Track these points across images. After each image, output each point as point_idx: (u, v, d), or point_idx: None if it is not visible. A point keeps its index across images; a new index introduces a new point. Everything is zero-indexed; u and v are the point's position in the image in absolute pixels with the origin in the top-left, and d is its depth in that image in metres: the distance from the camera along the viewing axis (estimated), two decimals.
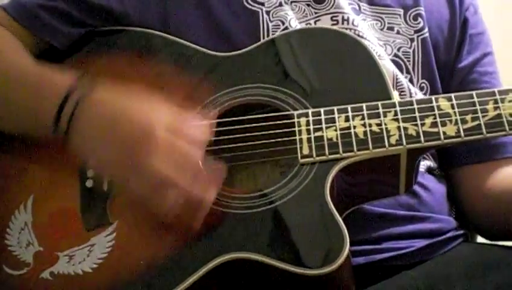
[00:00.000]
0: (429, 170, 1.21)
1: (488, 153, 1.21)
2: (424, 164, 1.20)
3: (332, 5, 1.20)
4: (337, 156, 1.02)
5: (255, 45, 1.15)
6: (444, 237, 1.16)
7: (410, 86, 1.19)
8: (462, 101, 1.03)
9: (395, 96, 1.07)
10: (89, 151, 1.01)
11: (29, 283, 1.01)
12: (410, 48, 1.21)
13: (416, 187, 1.15)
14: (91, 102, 1.01)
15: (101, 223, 1.03)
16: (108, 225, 1.03)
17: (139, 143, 0.97)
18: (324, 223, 0.98)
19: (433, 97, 1.05)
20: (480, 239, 1.29)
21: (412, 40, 1.22)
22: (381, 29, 1.22)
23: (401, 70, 1.20)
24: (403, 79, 1.19)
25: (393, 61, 1.20)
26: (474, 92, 1.04)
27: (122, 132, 0.98)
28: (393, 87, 1.16)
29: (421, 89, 1.21)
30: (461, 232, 1.19)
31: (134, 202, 1.01)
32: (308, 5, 1.20)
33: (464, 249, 1.16)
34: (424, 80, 1.21)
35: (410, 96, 1.18)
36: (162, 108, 1.00)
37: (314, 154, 1.02)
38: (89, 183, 1.06)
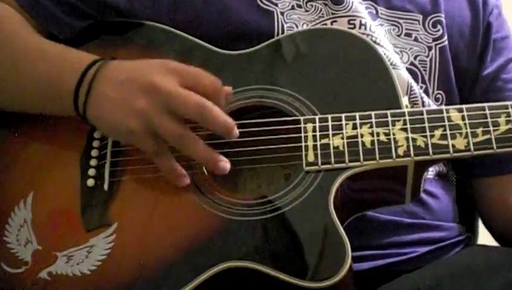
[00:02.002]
0: (438, 174, 1.19)
1: (507, 165, 1.18)
2: (433, 169, 1.18)
3: (350, 8, 1.16)
4: (343, 165, 1.00)
5: (262, 44, 1.12)
6: (447, 242, 1.14)
7: (425, 97, 1.16)
8: (473, 113, 1.01)
9: (405, 101, 1.05)
10: (106, 113, 1.00)
11: (27, 282, 1.00)
12: (427, 56, 1.18)
13: (423, 195, 1.13)
14: (111, 65, 1.03)
15: (101, 224, 1.02)
16: (108, 227, 1.01)
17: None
18: (327, 235, 0.96)
19: (444, 108, 1.02)
20: (481, 241, 1.28)
21: (430, 48, 1.18)
22: (398, 35, 1.18)
23: (417, 80, 1.17)
24: (417, 90, 1.16)
25: (408, 69, 1.16)
26: (486, 105, 1.01)
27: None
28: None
29: (437, 100, 1.18)
30: (465, 236, 1.18)
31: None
32: (325, 4, 1.17)
33: (466, 251, 1.15)
34: (440, 91, 1.18)
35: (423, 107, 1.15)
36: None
37: (320, 163, 1.00)
38: (90, 183, 1.05)
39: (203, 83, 0.98)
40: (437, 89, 1.19)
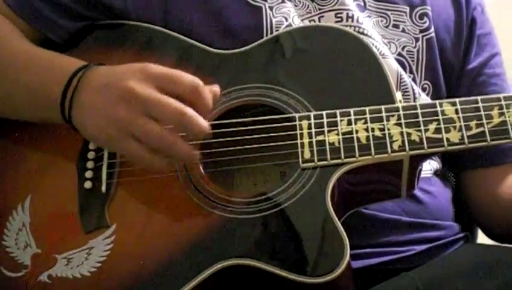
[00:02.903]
0: (436, 172, 1.20)
1: (498, 156, 1.20)
2: (431, 166, 1.19)
3: (337, 2, 1.17)
4: (339, 161, 1.01)
5: (255, 43, 1.12)
6: (445, 240, 1.15)
7: (414, 85, 1.17)
8: (466, 106, 1.02)
9: (398, 96, 1.06)
10: (89, 118, 1.01)
11: (27, 285, 1.00)
12: (414, 47, 1.19)
13: (421, 194, 1.14)
14: (93, 72, 1.03)
15: (99, 226, 1.02)
16: (106, 228, 1.02)
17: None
18: (325, 231, 0.97)
19: (437, 102, 1.03)
20: (479, 240, 1.28)
21: (417, 39, 1.20)
22: (386, 27, 1.20)
23: (405, 70, 1.18)
24: (407, 78, 1.17)
25: (397, 60, 1.18)
26: (479, 98, 1.02)
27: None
28: (397, 86, 1.15)
29: (424, 90, 1.19)
30: (462, 235, 1.19)
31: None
32: (312, 0, 1.18)
33: (464, 250, 1.16)
34: (426, 81, 1.20)
35: (414, 96, 1.16)
36: None
37: (316, 159, 1.01)
38: (87, 185, 1.05)
39: (181, 87, 0.98)
40: (424, 80, 1.20)
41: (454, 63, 1.22)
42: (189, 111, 0.96)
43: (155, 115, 0.96)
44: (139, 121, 0.96)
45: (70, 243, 1.02)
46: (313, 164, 1.01)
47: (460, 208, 1.25)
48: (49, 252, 1.02)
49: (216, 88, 1.02)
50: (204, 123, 0.97)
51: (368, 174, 1.03)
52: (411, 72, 1.19)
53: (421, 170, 1.07)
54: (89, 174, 1.06)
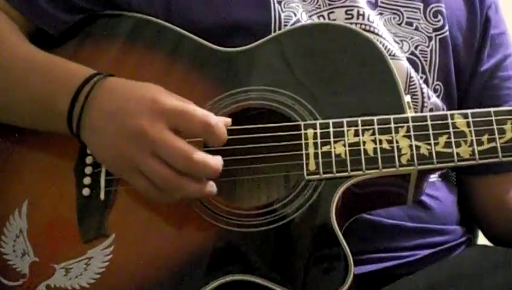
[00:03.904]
0: (440, 176, 1.17)
1: (507, 164, 1.16)
2: None
3: None
4: (345, 174, 0.98)
5: (260, 41, 1.07)
6: (449, 245, 1.13)
7: (424, 87, 1.13)
8: (478, 120, 0.98)
9: (407, 100, 1.02)
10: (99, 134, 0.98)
11: None
12: (428, 47, 1.14)
13: (427, 199, 1.12)
14: (104, 88, 1.00)
15: (98, 235, 1.00)
16: (105, 238, 1.00)
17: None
18: (329, 248, 0.95)
19: (448, 113, 0.99)
20: (480, 241, 1.27)
21: (430, 38, 1.15)
22: (399, 24, 1.15)
23: (417, 70, 1.14)
24: (417, 80, 1.12)
25: (409, 59, 1.13)
26: (492, 110, 0.98)
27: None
28: (405, 88, 1.11)
29: (435, 91, 1.15)
30: (466, 238, 1.17)
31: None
32: None
33: (466, 252, 1.15)
34: (439, 82, 1.15)
35: (422, 99, 1.12)
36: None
37: (321, 171, 0.98)
38: (85, 192, 1.02)
39: (193, 125, 0.95)
40: (436, 80, 1.16)
41: (467, 64, 1.18)
42: (196, 156, 0.93)
43: (164, 157, 0.94)
44: (148, 161, 0.94)
45: (69, 252, 1.00)
46: (318, 176, 0.98)
47: (464, 209, 1.23)
48: (47, 261, 1.00)
49: (228, 120, 0.99)
50: (214, 164, 0.94)
51: (373, 184, 1.00)
52: (423, 72, 1.14)
53: (428, 180, 1.04)
54: (87, 180, 1.03)
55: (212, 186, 0.96)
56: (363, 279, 1.04)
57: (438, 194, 1.15)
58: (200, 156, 0.94)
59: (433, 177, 1.15)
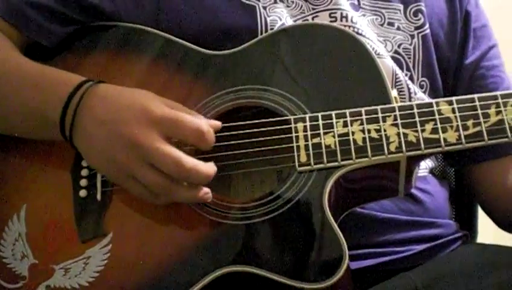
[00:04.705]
0: (431, 172, 1.19)
1: (502, 148, 1.19)
2: (427, 165, 1.19)
3: (331, 1, 1.16)
4: (336, 164, 1.00)
5: (249, 43, 1.11)
6: (444, 240, 1.15)
7: (410, 84, 1.16)
8: (463, 105, 1.00)
9: (394, 94, 1.04)
10: (91, 140, 1.00)
11: None
12: (410, 44, 1.18)
13: (418, 193, 1.14)
14: (95, 95, 1.01)
15: (96, 235, 1.01)
16: (103, 237, 1.01)
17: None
18: (323, 235, 0.96)
19: (433, 101, 1.02)
20: (479, 239, 1.28)
21: (412, 36, 1.18)
22: (381, 25, 1.18)
23: (401, 68, 1.17)
24: (402, 77, 1.15)
25: (393, 58, 1.17)
26: (476, 96, 1.01)
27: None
28: (392, 85, 1.14)
29: (421, 87, 1.18)
30: (461, 234, 1.18)
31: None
32: (305, 0, 1.16)
33: (463, 249, 1.16)
34: (424, 78, 1.18)
35: (409, 95, 1.15)
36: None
37: (312, 163, 1.00)
38: (82, 193, 1.04)
39: (184, 132, 0.97)
40: (421, 76, 1.19)
41: (451, 59, 1.21)
42: (188, 164, 0.96)
43: (157, 165, 0.96)
44: (142, 169, 0.97)
45: (67, 253, 1.01)
46: (309, 167, 1.00)
47: (460, 206, 1.24)
48: (46, 262, 1.01)
49: (218, 124, 1.02)
50: (206, 170, 0.97)
51: (364, 174, 1.02)
52: (408, 69, 1.17)
53: (418, 168, 1.06)
54: (83, 182, 1.05)
55: (206, 193, 0.98)
56: (360, 275, 1.05)
57: (429, 188, 1.17)
58: (192, 163, 0.96)
59: (424, 172, 1.17)
